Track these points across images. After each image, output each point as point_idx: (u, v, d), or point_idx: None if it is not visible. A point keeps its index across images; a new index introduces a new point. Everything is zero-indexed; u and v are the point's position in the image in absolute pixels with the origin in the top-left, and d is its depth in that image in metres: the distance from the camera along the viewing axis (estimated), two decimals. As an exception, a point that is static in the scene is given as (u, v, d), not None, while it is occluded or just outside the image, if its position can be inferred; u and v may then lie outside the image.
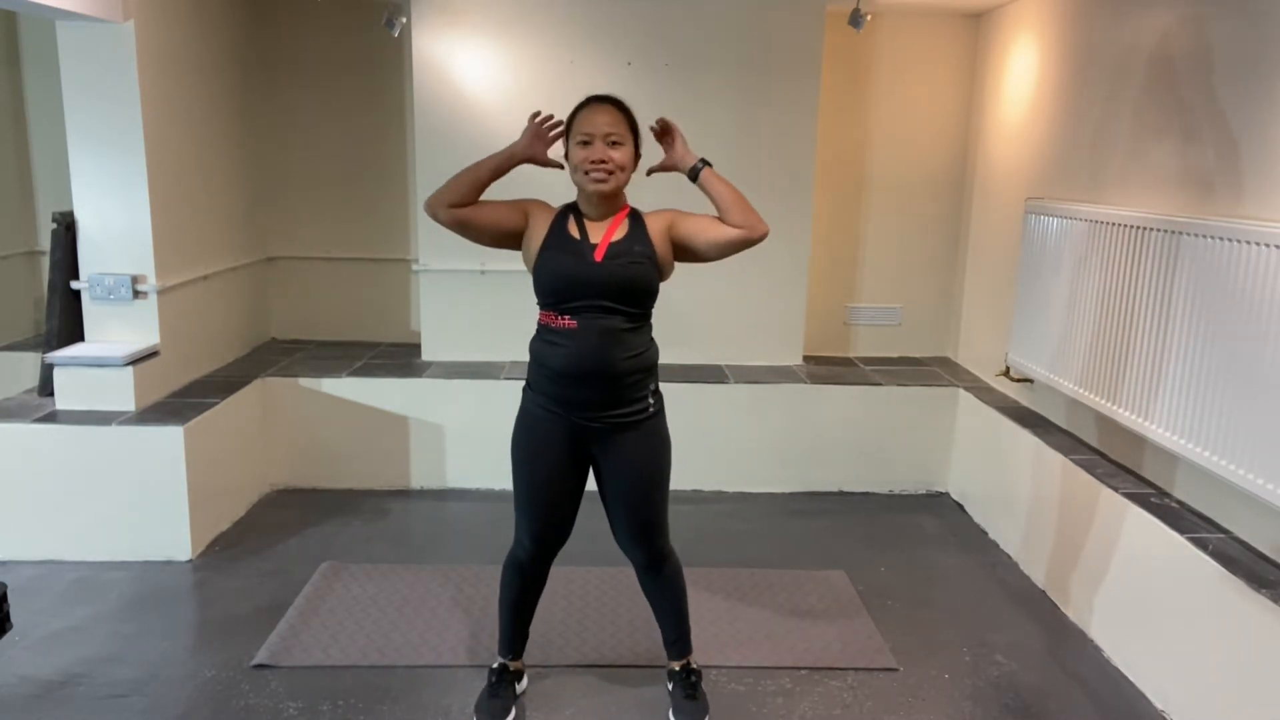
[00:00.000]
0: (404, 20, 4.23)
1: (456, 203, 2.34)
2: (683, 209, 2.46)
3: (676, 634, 2.61)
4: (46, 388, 3.64)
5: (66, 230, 3.61)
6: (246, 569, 3.46)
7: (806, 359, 4.65)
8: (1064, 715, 2.66)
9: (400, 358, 4.51)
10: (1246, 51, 2.63)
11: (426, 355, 4.48)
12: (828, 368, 4.56)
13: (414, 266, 4.51)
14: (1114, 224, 3.12)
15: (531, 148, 2.41)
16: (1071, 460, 3.27)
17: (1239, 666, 2.40)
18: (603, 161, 2.31)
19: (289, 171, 4.69)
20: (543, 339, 2.40)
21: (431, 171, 4.29)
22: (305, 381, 4.16)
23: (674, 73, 4.27)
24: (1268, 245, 2.41)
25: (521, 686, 2.68)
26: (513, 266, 4.36)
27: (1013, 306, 3.88)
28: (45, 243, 4.60)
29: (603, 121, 2.32)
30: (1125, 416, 3.04)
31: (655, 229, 2.40)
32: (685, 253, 2.42)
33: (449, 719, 2.58)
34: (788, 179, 4.38)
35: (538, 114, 2.43)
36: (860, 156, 4.66)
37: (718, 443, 4.25)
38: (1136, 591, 2.86)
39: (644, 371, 2.40)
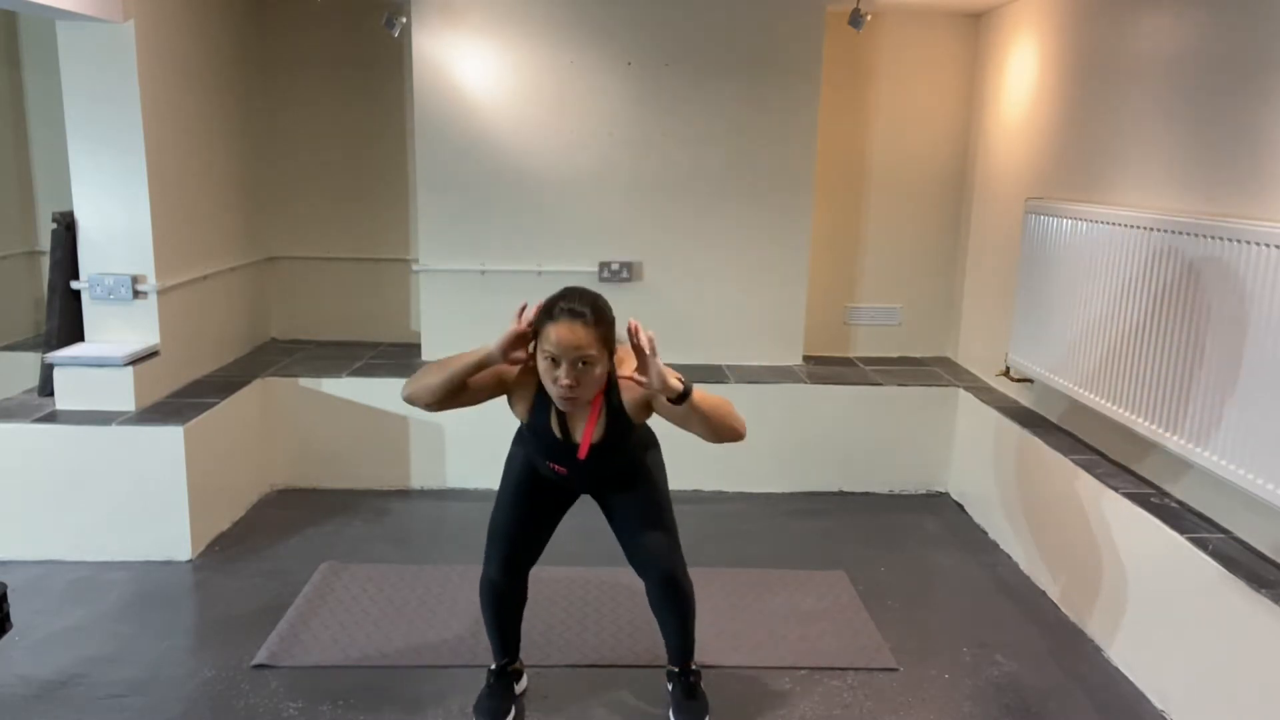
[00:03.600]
0: (404, 20, 4.23)
1: (431, 402, 2.29)
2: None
3: (680, 642, 2.60)
4: (46, 388, 3.64)
5: (66, 230, 3.61)
6: (246, 569, 3.46)
7: (806, 359, 4.65)
8: (1064, 715, 2.66)
9: (400, 358, 4.50)
10: (1246, 51, 2.63)
11: (426, 355, 4.48)
12: (828, 368, 4.56)
13: (414, 266, 4.51)
14: (1114, 224, 3.12)
15: (507, 353, 2.24)
16: (1071, 460, 3.27)
17: (1239, 666, 2.40)
18: (570, 387, 2.18)
19: (289, 171, 4.69)
20: (533, 457, 2.47)
21: (431, 171, 4.30)
22: (305, 381, 4.16)
23: (674, 73, 4.27)
24: (1267, 245, 2.41)
25: (521, 686, 2.69)
26: (513, 266, 4.39)
27: (1013, 306, 3.88)
28: (45, 243, 4.59)
29: (570, 345, 2.15)
30: (1125, 416, 3.04)
31: (633, 405, 2.31)
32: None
33: (449, 719, 2.58)
34: (788, 179, 4.38)
35: (524, 306, 2.24)
36: (860, 156, 4.66)
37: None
38: (1136, 591, 2.86)
39: (640, 462, 2.51)
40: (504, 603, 2.58)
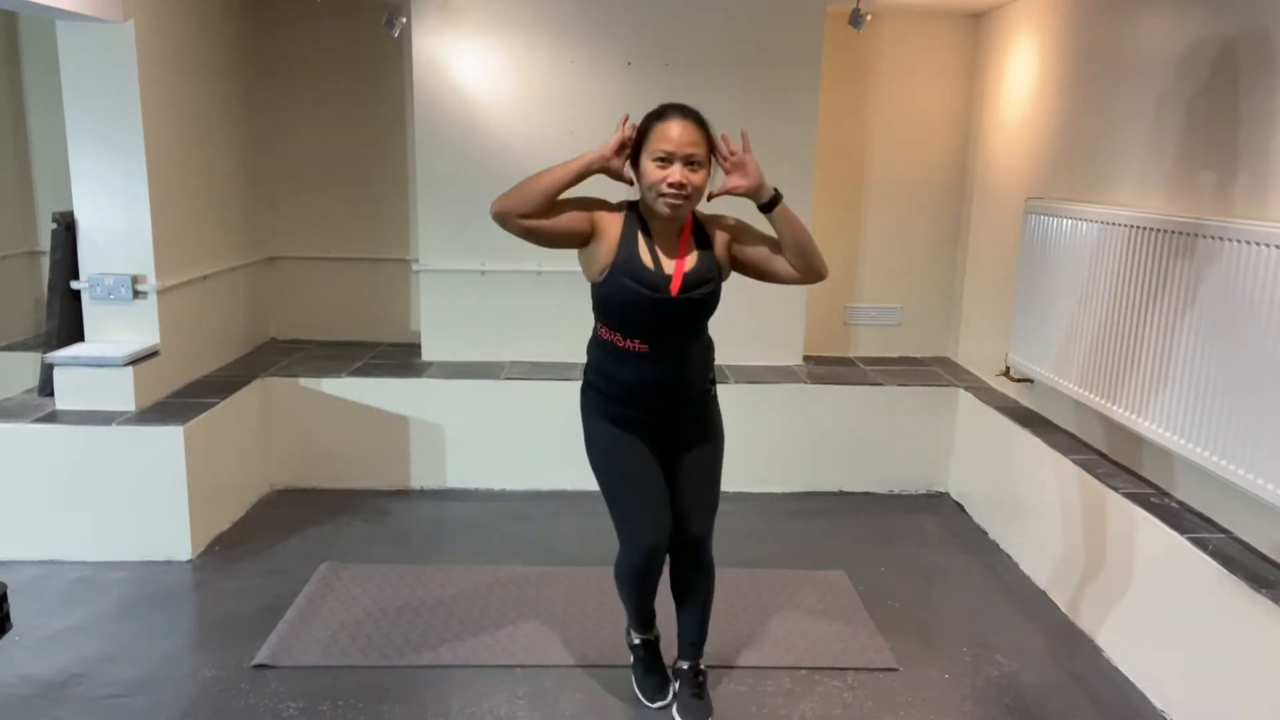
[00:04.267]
0: (404, 20, 4.23)
1: (528, 214, 2.21)
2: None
3: (698, 636, 2.61)
4: (46, 388, 3.64)
5: (66, 230, 3.61)
6: (246, 569, 3.46)
7: (806, 359, 4.65)
8: (1064, 715, 2.66)
9: (400, 358, 4.51)
10: (1246, 51, 2.63)
11: (426, 355, 4.48)
12: (828, 368, 4.56)
13: (414, 266, 4.50)
14: (1114, 224, 3.12)
15: (610, 160, 2.25)
16: (1072, 460, 3.27)
17: (1239, 666, 2.40)
18: (681, 186, 2.18)
19: (289, 171, 4.69)
20: (609, 354, 2.37)
21: (431, 171, 4.30)
22: (305, 381, 4.16)
23: (674, 73, 4.27)
24: (1267, 245, 2.41)
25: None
26: (513, 266, 4.39)
27: (1013, 306, 3.88)
28: (45, 243, 4.59)
29: (685, 141, 2.18)
30: (1125, 416, 3.04)
31: (719, 242, 2.36)
32: (739, 268, 2.40)
33: (449, 719, 2.58)
34: (788, 179, 4.33)
35: (627, 117, 2.27)
36: (860, 156, 4.66)
37: (718, 443, 4.25)
38: (1136, 591, 2.86)
39: (708, 370, 2.47)
40: (647, 582, 2.51)
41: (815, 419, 4.29)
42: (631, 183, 2.31)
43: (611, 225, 2.30)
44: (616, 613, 3.14)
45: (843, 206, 4.68)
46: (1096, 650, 3.01)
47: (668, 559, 2.52)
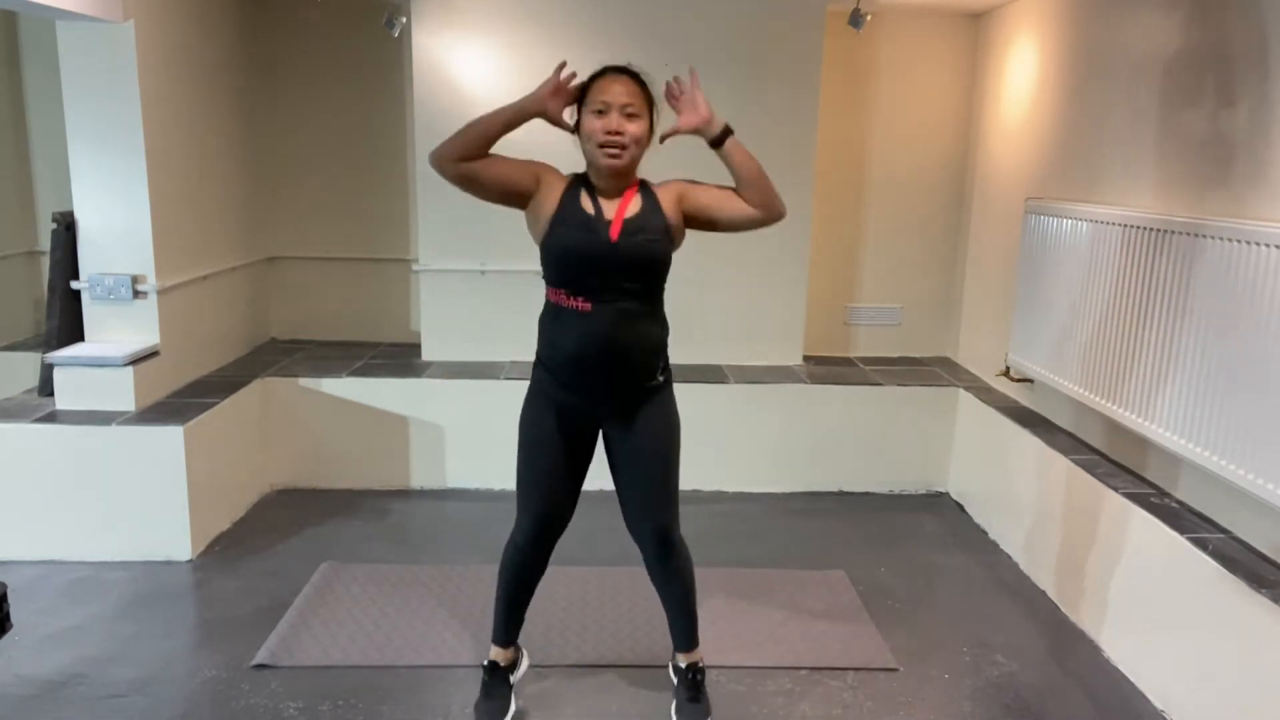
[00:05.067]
0: (404, 20, 4.23)
1: (465, 156, 2.23)
2: (693, 180, 2.38)
3: (685, 624, 2.58)
4: (46, 388, 3.64)
5: (66, 230, 3.61)
6: (246, 569, 3.46)
7: (806, 359, 4.65)
8: (1064, 715, 2.66)
9: (400, 358, 4.51)
10: (1246, 51, 2.63)
11: (426, 355, 4.48)
12: (828, 368, 4.56)
13: (414, 266, 4.51)
14: (1114, 224, 3.12)
15: (546, 102, 2.28)
16: (1072, 460, 3.27)
17: (1239, 666, 2.40)
18: (618, 134, 2.22)
19: (289, 171, 4.70)
20: (555, 318, 2.34)
21: (431, 171, 4.29)
22: (305, 381, 4.16)
23: (673, 73, 4.23)
24: (1267, 245, 2.41)
25: (518, 674, 2.64)
26: (513, 266, 4.39)
27: (1013, 306, 3.88)
28: (45, 243, 4.59)
29: (620, 91, 2.24)
30: (1126, 416, 3.04)
31: (667, 200, 2.33)
32: (697, 223, 2.38)
33: (449, 719, 2.58)
34: (788, 179, 4.32)
35: (564, 64, 2.30)
36: (860, 156, 4.66)
37: (718, 443, 4.25)
38: (1136, 591, 2.86)
39: (657, 350, 2.41)
40: (526, 571, 2.50)
41: (815, 419, 4.29)
42: (573, 131, 2.34)
43: (556, 185, 2.34)
44: (617, 612, 3.14)
45: (843, 206, 4.69)
46: (1096, 650, 3.01)
47: (642, 557, 2.51)
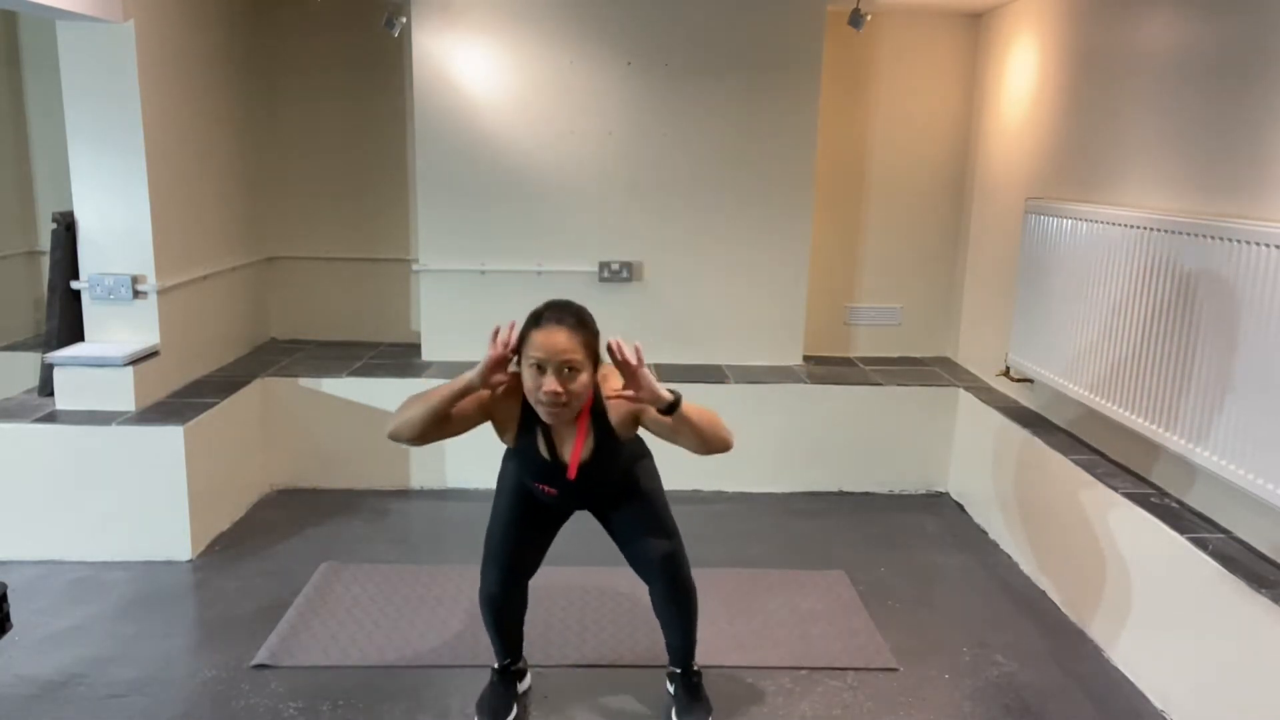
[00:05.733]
0: (404, 20, 4.23)
1: (415, 437, 2.27)
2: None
3: (683, 647, 2.60)
4: (46, 388, 3.64)
5: (66, 230, 3.61)
6: (246, 569, 3.46)
7: (806, 359, 4.65)
8: (1064, 715, 2.66)
9: (400, 358, 4.51)
10: (1246, 51, 2.63)
11: (426, 355, 4.48)
12: (828, 368, 4.56)
13: (414, 266, 4.50)
14: (1114, 224, 3.12)
15: (489, 377, 2.19)
16: (1071, 460, 3.27)
17: (1239, 666, 2.40)
18: (557, 394, 2.14)
19: (289, 171, 4.69)
20: (523, 479, 2.45)
21: (431, 171, 4.30)
22: (305, 381, 4.16)
23: (673, 73, 4.27)
24: (1267, 245, 2.41)
25: (524, 684, 2.69)
26: (513, 266, 4.39)
27: (1013, 306, 3.88)
28: (45, 243, 4.59)
29: (559, 346, 2.13)
30: (1126, 416, 3.04)
31: (620, 421, 2.29)
32: (651, 431, 2.34)
33: (449, 719, 2.58)
34: (788, 178, 4.38)
35: (497, 329, 2.20)
36: (860, 156, 4.66)
37: (718, 443, 4.24)
38: (1136, 591, 2.86)
39: (632, 476, 2.49)
40: (504, 613, 2.56)
41: (815, 419, 4.29)
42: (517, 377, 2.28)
43: (509, 408, 2.31)
44: (618, 613, 3.14)
45: (843, 206, 4.69)
46: (1096, 650, 3.01)
47: (648, 590, 2.55)
